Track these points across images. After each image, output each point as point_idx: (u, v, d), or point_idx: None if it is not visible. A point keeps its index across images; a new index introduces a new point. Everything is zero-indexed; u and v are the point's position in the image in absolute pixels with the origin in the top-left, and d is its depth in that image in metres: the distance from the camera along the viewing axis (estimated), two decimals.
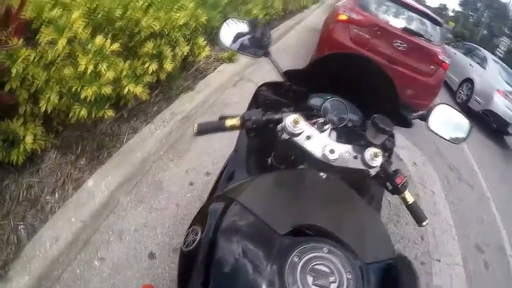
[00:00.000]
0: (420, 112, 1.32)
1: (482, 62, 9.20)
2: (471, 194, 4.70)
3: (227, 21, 1.40)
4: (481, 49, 10.69)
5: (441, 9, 64.07)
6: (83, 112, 2.19)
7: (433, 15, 5.59)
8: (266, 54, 1.35)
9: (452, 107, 1.32)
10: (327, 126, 1.05)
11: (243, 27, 1.38)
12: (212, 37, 4.19)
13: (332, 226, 0.74)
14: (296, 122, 0.96)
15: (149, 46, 2.76)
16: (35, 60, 2.03)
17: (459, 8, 46.86)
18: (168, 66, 2.92)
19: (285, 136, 0.98)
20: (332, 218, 0.80)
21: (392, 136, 1.28)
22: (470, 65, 9.27)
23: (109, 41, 2.31)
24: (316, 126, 1.04)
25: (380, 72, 1.19)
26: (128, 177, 2.41)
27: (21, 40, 1.99)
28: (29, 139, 2.02)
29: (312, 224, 0.72)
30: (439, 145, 5.23)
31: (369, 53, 4.65)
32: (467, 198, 4.48)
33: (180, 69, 3.54)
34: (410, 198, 1.04)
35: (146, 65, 2.73)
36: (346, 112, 1.20)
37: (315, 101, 1.24)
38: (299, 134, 0.97)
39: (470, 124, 1.32)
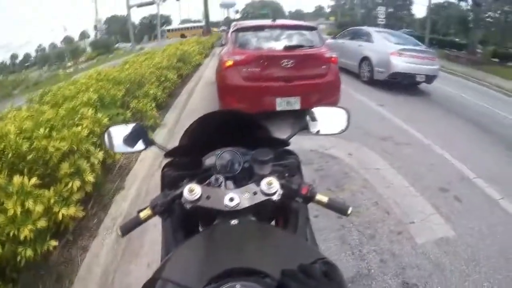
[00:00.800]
0: (300, 125, 1.44)
1: (368, 37, 10.11)
2: (412, 150, 4.98)
3: (107, 131, 1.47)
4: (362, 27, 11.96)
5: (319, 10, 69.06)
6: (29, 253, 2.16)
7: (303, 23, 6.17)
8: (151, 143, 1.44)
9: (324, 106, 1.49)
10: (220, 180, 1.16)
11: (123, 129, 1.45)
12: None
13: (246, 263, 0.78)
14: (191, 190, 1.02)
15: (65, 167, 2.77)
16: None
17: (332, 2, 50.67)
18: (90, 177, 2.92)
19: (188, 205, 1.03)
20: (245, 256, 0.84)
21: (291, 154, 1.40)
22: (359, 45, 10.13)
23: (26, 177, 2.33)
24: (211, 185, 1.15)
25: (244, 115, 1.35)
26: None
27: None
28: None
29: (228, 268, 0.75)
30: (364, 125, 5.57)
31: (265, 83, 5.12)
32: (410, 156, 4.73)
33: (104, 174, 3.53)
34: (323, 199, 1.10)
35: (70, 185, 2.72)
36: (238, 157, 1.27)
37: (209, 160, 1.32)
38: (199, 198, 1.02)
39: (346, 111, 1.48)
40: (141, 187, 3.70)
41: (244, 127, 1.36)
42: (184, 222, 1.24)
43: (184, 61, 9.60)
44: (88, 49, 49.86)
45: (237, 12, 67.33)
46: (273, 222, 1.31)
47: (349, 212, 1.09)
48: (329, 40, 12.30)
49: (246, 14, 67.08)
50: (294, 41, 5.56)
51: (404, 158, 4.63)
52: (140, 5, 47.24)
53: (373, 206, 3.37)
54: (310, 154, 4.42)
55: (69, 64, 36.50)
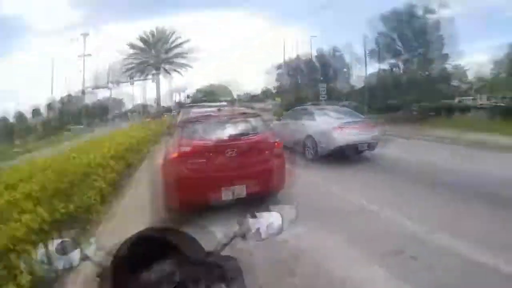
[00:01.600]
0: (236, 232, 1.49)
1: (310, 115, 10.84)
2: (363, 219, 5.15)
3: (46, 246, 1.46)
4: (305, 107, 13.03)
5: (266, 92, 72.33)
6: None
7: (247, 111, 6.57)
8: (86, 258, 1.44)
9: (260, 211, 1.56)
10: None
11: (57, 246, 1.44)
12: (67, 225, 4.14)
13: None
14: None
15: None
16: None
17: (277, 83, 53.65)
18: (26, 280, 2.77)
19: None
20: None
21: (231, 260, 1.41)
22: (303, 124, 10.74)
23: None
24: None
25: (174, 232, 1.41)
26: None
27: None
28: None
29: None
30: (313, 204, 5.54)
31: (210, 175, 5.16)
32: (360, 225, 4.88)
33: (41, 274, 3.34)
34: None
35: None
36: (171, 275, 1.27)
37: (144, 277, 1.31)
38: None
39: (280, 214, 1.56)
40: None
41: (176, 243, 1.37)
42: None
43: (133, 150, 9.58)
44: (39, 127, 48.38)
45: (188, 96, 69.27)
46: None
47: None
48: (275, 122, 13.06)
49: (197, 98, 69.27)
50: (239, 130, 5.75)
51: (355, 229, 4.70)
52: (94, 88, 47.90)
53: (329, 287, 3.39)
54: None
55: (16, 142, 35.10)
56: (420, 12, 28.00)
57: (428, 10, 27.80)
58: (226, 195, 5.15)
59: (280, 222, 1.54)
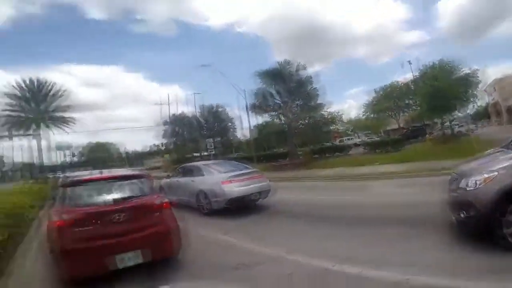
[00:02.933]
0: None
1: (198, 171, 10.86)
2: (267, 267, 5.16)
3: None
4: (193, 164, 13.30)
5: (154, 148, 71.20)
6: None
7: (132, 173, 6.32)
8: None
9: None
10: None
11: None
12: None
13: None
14: None
15: None
16: None
17: (164, 140, 53.21)
18: None
19: None
20: None
21: None
22: (192, 181, 10.69)
23: None
24: None
25: None
26: None
27: None
28: None
29: None
30: (212, 259, 5.66)
31: (99, 242, 4.72)
32: (265, 273, 4.91)
33: None
34: None
35: None
36: None
37: None
38: None
39: None
40: None
41: None
42: None
43: (15, 217, 8.13)
44: None
45: (73, 155, 64.71)
46: None
47: None
48: (165, 180, 12.70)
49: (83, 156, 65.25)
50: (125, 192, 5.50)
51: (260, 279, 4.69)
52: None
53: None
54: None
55: None
56: (292, 68, 31.51)
57: (300, 67, 31.64)
58: (122, 262, 4.76)
59: None
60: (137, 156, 73.53)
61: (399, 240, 5.53)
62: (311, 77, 32.21)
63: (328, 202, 9.40)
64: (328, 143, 37.56)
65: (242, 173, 10.18)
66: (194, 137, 45.79)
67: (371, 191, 11.32)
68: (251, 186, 9.73)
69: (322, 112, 32.10)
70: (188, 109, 48.92)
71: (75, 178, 5.87)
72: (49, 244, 5.01)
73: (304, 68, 32.06)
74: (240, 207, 9.47)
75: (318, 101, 31.75)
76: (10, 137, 39.71)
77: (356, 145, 36.76)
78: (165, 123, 49.38)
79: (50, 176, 34.86)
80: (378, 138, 41.05)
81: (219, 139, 42.71)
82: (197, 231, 7.77)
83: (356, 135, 53.50)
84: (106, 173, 6.10)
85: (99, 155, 61.74)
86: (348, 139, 48.22)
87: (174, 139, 49.57)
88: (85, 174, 6.78)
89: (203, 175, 10.49)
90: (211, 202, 9.63)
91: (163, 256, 5.29)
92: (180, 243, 5.48)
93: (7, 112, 36.08)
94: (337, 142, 42.30)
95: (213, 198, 9.58)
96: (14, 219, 8.06)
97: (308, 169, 20.24)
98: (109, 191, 5.45)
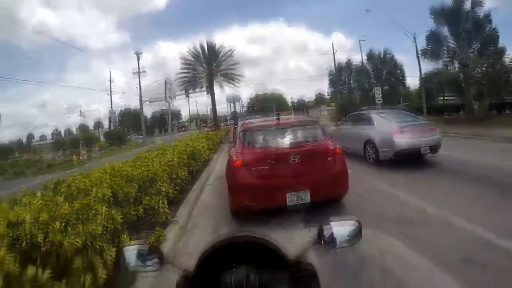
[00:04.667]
0: (312, 240, 1.45)
1: (368, 120, 10.56)
2: (430, 226, 4.85)
3: (121, 251, 1.51)
4: (362, 112, 12.69)
5: (320, 98, 71.79)
6: None
7: (305, 119, 6.61)
8: (166, 263, 1.46)
9: (337, 218, 1.49)
10: None
11: (136, 248, 1.48)
12: (136, 226, 4.30)
13: None
14: None
15: (78, 262, 2.81)
16: None
17: (331, 89, 52.96)
18: (103, 274, 2.93)
19: None
20: None
21: (301, 267, 1.37)
22: (362, 129, 10.54)
23: (40, 270, 2.39)
24: None
25: (256, 237, 1.40)
26: None
27: None
28: None
29: None
30: (377, 209, 5.55)
31: (274, 181, 5.25)
32: (428, 233, 4.54)
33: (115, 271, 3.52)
34: None
35: (82, 279, 2.74)
36: (254, 277, 1.27)
37: (225, 278, 1.32)
38: None
39: (358, 222, 1.49)
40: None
41: (257, 247, 1.38)
42: None
43: (194, 158, 9.89)
44: (102, 138, 51.58)
45: (243, 106, 70.16)
46: None
47: None
48: (333, 127, 12.88)
49: (252, 107, 69.79)
50: (299, 137, 5.86)
51: (422, 237, 4.46)
52: (152, 101, 50.34)
53: None
54: None
55: (83, 151, 37.48)
56: (467, 5, 25.35)
57: (476, 3, 25.15)
58: (291, 200, 5.20)
59: (358, 230, 1.49)
60: (303, 105, 75.51)
61: None
62: (489, 15, 25.23)
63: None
64: (510, 98, 28.04)
65: (414, 124, 9.56)
66: (361, 85, 44.19)
67: None
68: (422, 139, 9.01)
69: (504, 59, 25.01)
70: (353, 57, 46.66)
71: (253, 124, 6.55)
72: (228, 180, 5.77)
73: (481, 3, 25.09)
74: (408, 160, 8.93)
75: (499, 45, 25.00)
76: (187, 94, 47.23)
77: None
78: (330, 72, 48.84)
79: (222, 125, 39.28)
80: None
81: (386, 87, 40.26)
82: (362, 179, 7.82)
83: None
84: (281, 120, 6.47)
85: (266, 105, 65.29)
86: None
87: (340, 88, 48.83)
88: (262, 120, 7.49)
89: (372, 124, 10.19)
90: (379, 152, 9.41)
91: (329, 198, 5.55)
92: (347, 188, 5.66)
93: (183, 74, 41.28)
94: None
95: (381, 148, 9.33)
96: (194, 160, 9.74)
97: (485, 126, 17.03)
98: (285, 136, 5.86)
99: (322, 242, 1.43)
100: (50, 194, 4.38)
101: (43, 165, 28.85)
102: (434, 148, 9.24)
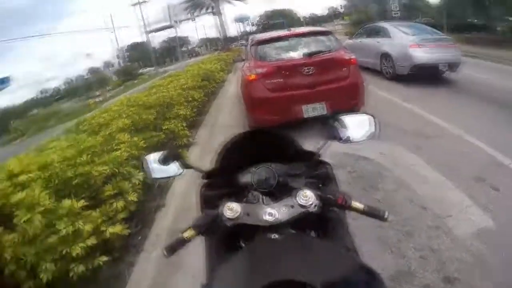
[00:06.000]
0: (328, 135, 1.44)
1: (384, 33, 10.00)
2: (444, 142, 4.84)
3: (144, 159, 1.55)
4: (378, 24, 11.75)
5: (333, 12, 68.33)
6: (81, 268, 2.34)
7: (317, 29, 6.33)
8: (187, 166, 1.49)
9: (350, 114, 1.48)
10: (257, 196, 1.21)
11: (158, 156, 1.50)
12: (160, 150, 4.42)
13: (287, 275, 0.81)
14: (230, 209, 1.08)
15: (108, 189, 2.99)
16: (19, 241, 2.24)
17: (345, 2, 49.95)
18: (133, 197, 3.10)
19: (229, 223, 1.08)
20: (286, 268, 0.88)
21: (323, 164, 1.42)
22: (377, 42, 10.03)
23: (75, 201, 2.54)
24: (249, 201, 1.19)
25: (272, 132, 1.43)
26: None
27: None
28: None
29: (271, 281, 0.78)
30: (392, 123, 5.48)
31: (289, 93, 5.18)
32: (442, 149, 4.60)
33: (145, 193, 3.69)
34: (359, 206, 1.12)
35: (114, 205, 2.91)
36: (273, 173, 1.31)
37: (245, 177, 1.35)
38: (239, 216, 1.08)
39: (373, 118, 1.48)
40: (181, 204, 3.84)
41: (274, 143, 1.41)
42: (226, 239, 1.28)
43: (208, 79, 9.88)
44: (114, 77, 51.44)
45: (252, 24, 67.59)
46: (312, 233, 1.30)
47: (386, 216, 1.10)
48: (348, 41, 12.26)
49: (261, 25, 67.39)
50: (312, 48, 5.64)
51: (436, 151, 4.50)
52: (158, 30, 48.89)
53: (409, 204, 3.32)
54: (341, 156, 4.32)
55: (97, 93, 37.72)
56: None
57: None
58: (307, 112, 5.18)
59: (374, 125, 1.47)
60: (316, 19, 72.01)
61: None
62: None
63: None
64: None
65: (433, 39, 8.99)
66: None
67: None
68: (441, 54, 8.51)
69: None
70: None
71: (264, 37, 6.25)
72: (243, 95, 5.76)
73: None
74: (425, 76, 8.56)
75: None
76: (193, 18, 45.18)
77: None
78: None
79: (233, 46, 38.02)
80: None
81: (405, 1, 37.70)
82: (378, 93, 7.73)
83: None
84: (293, 30, 6.24)
85: (277, 21, 62.72)
86: None
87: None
88: (273, 32, 7.10)
89: (389, 36, 9.66)
90: (395, 66, 9.02)
91: (346, 109, 5.37)
92: (363, 100, 5.56)
93: None
94: None
95: (398, 62, 8.92)
96: (208, 81, 9.72)
97: (508, 49, 16.11)
98: (298, 47, 5.66)
99: (339, 136, 1.42)
100: (73, 135, 4.56)
101: (61, 115, 29.24)
102: (452, 66, 8.68)
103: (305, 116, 5.19)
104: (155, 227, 3.40)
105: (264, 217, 1.07)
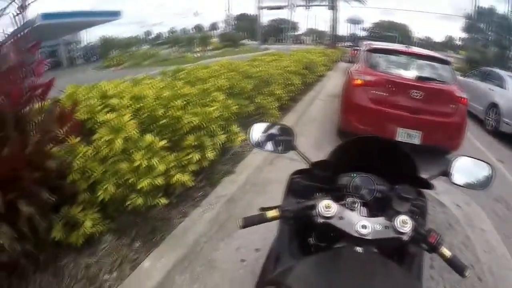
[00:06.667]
0: (441, 170, 1.40)
1: (501, 82, 8.96)
2: None
3: (253, 126, 1.57)
4: (495, 69, 10.53)
5: (449, 41, 64.02)
6: (140, 201, 2.45)
7: (439, 56, 5.85)
8: (293, 148, 1.51)
9: (471, 156, 1.42)
10: (356, 204, 1.18)
11: (268, 128, 1.55)
12: (245, 122, 4.53)
13: None
14: (328, 207, 1.07)
15: (190, 139, 3.11)
16: (92, 155, 2.41)
17: (464, 35, 46.38)
18: (210, 154, 3.20)
19: (320, 220, 1.08)
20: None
21: (422, 196, 1.39)
22: (490, 89, 9.09)
23: (157, 138, 2.68)
24: (346, 206, 1.16)
25: (396, 147, 1.39)
26: (182, 258, 2.54)
27: (77, 138, 2.39)
28: (88, 223, 2.28)
29: None
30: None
31: (390, 110, 4.97)
32: None
33: (219, 155, 3.77)
34: (447, 253, 1.07)
35: (190, 155, 3.03)
36: (373, 185, 1.29)
37: (343, 180, 1.34)
38: (332, 216, 1.07)
39: (492, 168, 1.41)
40: (250, 177, 3.93)
41: (389, 156, 1.37)
42: (303, 230, 1.28)
43: (310, 70, 9.80)
44: (216, 40, 52.95)
45: (364, 30, 65.68)
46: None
47: (466, 274, 1.06)
48: (459, 78, 11.43)
49: (373, 33, 65.20)
50: (426, 73, 5.36)
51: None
52: (270, 9, 49.34)
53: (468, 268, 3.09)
54: None
55: (197, 49, 39.33)
56: None
57: None
58: (401, 136, 4.96)
59: (489, 175, 1.40)
60: (429, 44, 67.92)
61: None
62: None
63: None
64: None
65: None
66: (499, 40, 37.37)
67: None
68: None
69: None
70: (498, 5, 38.71)
71: (381, 46, 6.07)
72: (343, 97, 5.65)
73: None
74: None
75: None
76: (307, 6, 44.39)
77: None
78: (467, 16, 40.75)
79: (339, 45, 37.39)
80: None
81: None
82: (472, 142, 7.06)
83: None
84: (412, 48, 5.95)
85: (388, 34, 60.11)
86: None
87: (475, 35, 42.20)
88: (391, 44, 6.92)
89: (504, 87, 8.61)
90: (501, 121, 7.93)
91: (440, 147, 5.12)
92: (461, 143, 5.18)
93: None
94: None
95: (505, 117, 7.82)
96: (309, 71, 9.64)
97: None
98: (412, 67, 5.43)
99: (450, 176, 1.38)
100: (169, 80, 4.73)
101: (158, 58, 30.75)
102: None
103: (397, 139, 4.92)
104: (217, 189, 3.50)
105: (356, 228, 1.05)
